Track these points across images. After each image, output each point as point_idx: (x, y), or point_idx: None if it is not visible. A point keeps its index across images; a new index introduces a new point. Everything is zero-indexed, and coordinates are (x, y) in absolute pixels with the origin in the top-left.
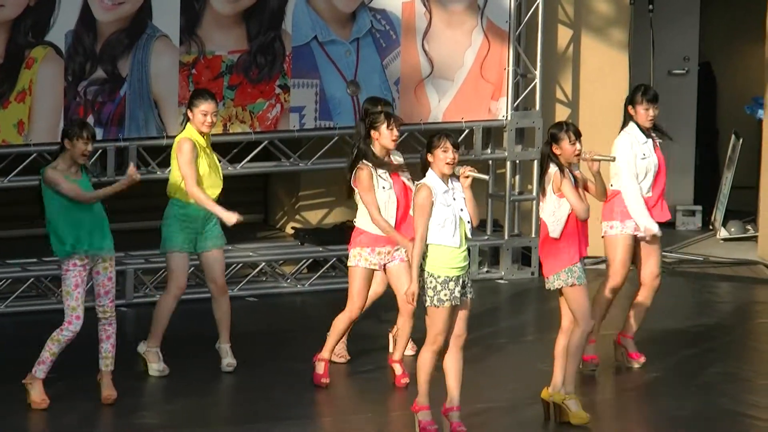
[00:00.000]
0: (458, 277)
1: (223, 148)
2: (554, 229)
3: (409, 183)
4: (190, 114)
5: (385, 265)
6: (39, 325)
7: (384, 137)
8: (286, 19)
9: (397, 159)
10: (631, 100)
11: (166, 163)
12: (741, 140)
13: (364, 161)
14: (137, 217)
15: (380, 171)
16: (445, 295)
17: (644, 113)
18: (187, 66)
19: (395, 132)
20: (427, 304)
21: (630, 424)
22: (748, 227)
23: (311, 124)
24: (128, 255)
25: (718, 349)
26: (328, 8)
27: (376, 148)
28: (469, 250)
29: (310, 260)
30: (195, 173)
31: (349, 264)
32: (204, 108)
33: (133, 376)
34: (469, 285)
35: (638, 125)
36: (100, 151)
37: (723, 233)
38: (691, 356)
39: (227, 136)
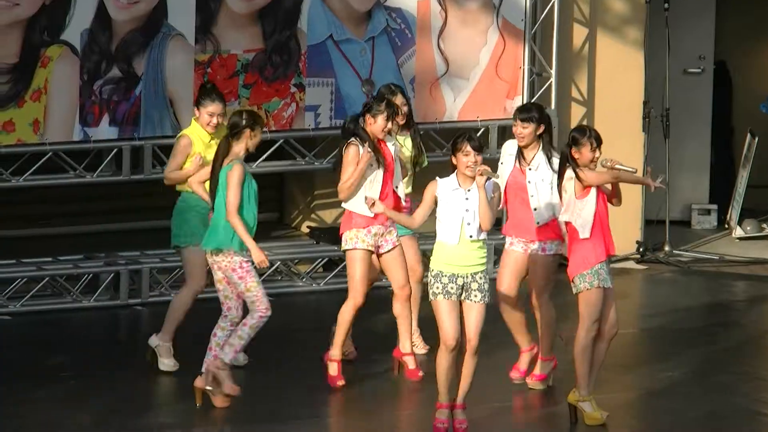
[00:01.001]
0: (454, 274)
1: None
2: (583, 229)
3: (391, 153)
4: (196, 111)
5: (378, 250)
6: (54, 324)
7: (377, 126)
8: (301, 17)
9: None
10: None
11: None
12: (756, 139)
13: (354, 138)
14: (153, 216)
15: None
16: (437, 288)
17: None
18: (203, 65)
19: (389, 126)
20: (429, 297)
21: (644, 423)
22: (764, 226)
23: (326, 123)
24: (144, 254)
25: (734, 348)
26: (343, 7)
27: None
28: (486, 254)
29: (326, 259)
30: (177, 165)
31: (345, 248)
32: (211, 109)
33: (146, 376)
34: (475, 288)
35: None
36: (115, 150)
37: (738, 232)
38: (707, 355)
39: None
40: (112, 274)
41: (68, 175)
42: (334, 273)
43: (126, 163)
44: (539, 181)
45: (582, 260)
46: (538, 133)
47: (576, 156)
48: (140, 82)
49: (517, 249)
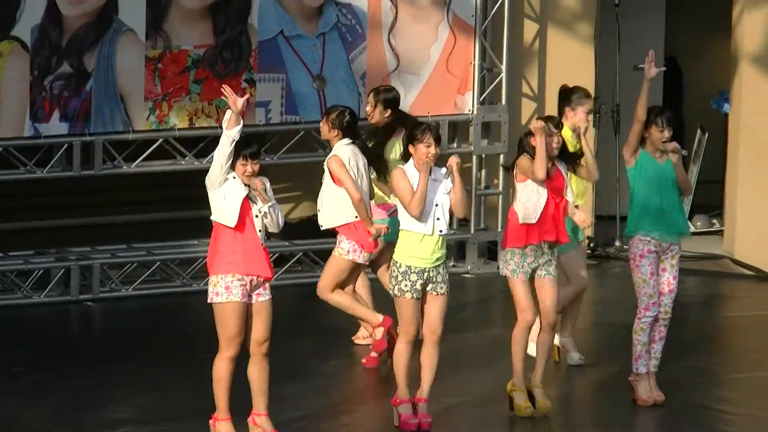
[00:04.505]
0: (423, 269)
1: (189, 143)
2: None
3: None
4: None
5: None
6: (4, 320)
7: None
8: (252, 13)
9: None
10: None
11: (132, 158)
12: (707, 135)
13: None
14: (104, 212)
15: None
16: (405, 285)
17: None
18: (153, 60)
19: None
20: (392, 293)
21: (597, 419)
22: (714, 221)
23: (277, 119)
24: (95, 250)
25: (684, 343)
26: (294, 3)
27: None
28: (447, 247)
29: (277, 255)
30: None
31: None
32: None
33: (99, 371)
34: (440, 280)
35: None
36: (65, 145)
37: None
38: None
39: (193, 130)
40: (62, 270)
41: (19, 171)
42: (285, 268)
43: (77, 159)
44: None
45: (512, 235)
46: None
47: (533, 143)
48: (91, 77)
49: None
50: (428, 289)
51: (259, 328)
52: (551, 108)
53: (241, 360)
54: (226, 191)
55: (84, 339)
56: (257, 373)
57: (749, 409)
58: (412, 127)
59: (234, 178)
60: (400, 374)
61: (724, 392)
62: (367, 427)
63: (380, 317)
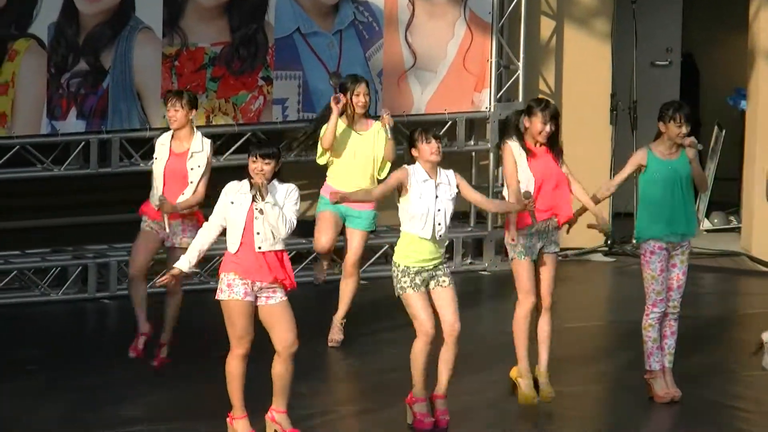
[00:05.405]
0: (421, 268)
1: None
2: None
3: None
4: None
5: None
6: (21, 317)
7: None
8: (268, 10)
9: None
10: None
11: (148, 155)
12: (724, 132)
13: None
14: (121, 209)
15: None
16: (405, 282)
17: None
18: (170, 58)
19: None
20: (396, 293)
21: (612, 415)
22: (731, 218)
23: (294, 116)
24: (112, 247)
25: (702, 340)
26: (310, 0)
27: None
28: (449, 245)
29: (294, 252)
30: None
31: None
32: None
33: (113, 369)
34: (441, 274)
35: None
36: (82, 143)
37: (706, 224)
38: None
39: (210, 128)
40: (80, 268)
41: (36, 169)
42: (302, 266)
43: (93, 156)
44: None
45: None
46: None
47: (527, 125)
48: (108, 75)
49: None
50: (431, 285)
51: (282, 331)
52: (568, 105)
53: (257, 359)
54: (229, 216)
55: (100, 337)
56: (282, 372)
57: (765, 407)
58: (411, 133)
59: (232, 203)
60: (417, 373)
61: (740, 390)
62: (380, 426)
63: None
